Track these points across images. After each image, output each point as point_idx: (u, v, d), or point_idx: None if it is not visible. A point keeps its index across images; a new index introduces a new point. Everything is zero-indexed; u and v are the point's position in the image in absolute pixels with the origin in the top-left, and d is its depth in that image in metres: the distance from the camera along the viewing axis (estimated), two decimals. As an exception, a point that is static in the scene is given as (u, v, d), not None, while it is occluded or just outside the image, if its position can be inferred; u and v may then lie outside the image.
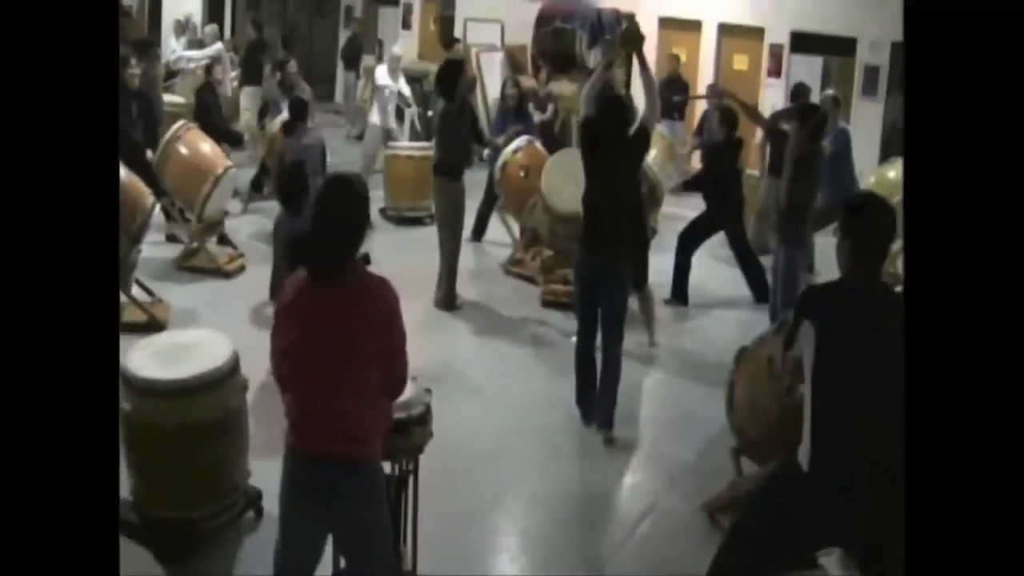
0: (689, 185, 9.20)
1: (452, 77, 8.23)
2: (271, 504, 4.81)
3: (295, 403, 3.33)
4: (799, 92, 10.44)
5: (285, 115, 9.65)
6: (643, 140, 6.09)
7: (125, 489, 4.66)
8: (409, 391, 3.87)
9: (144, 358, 4.56)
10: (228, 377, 4.54)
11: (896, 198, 9.61)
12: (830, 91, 10.80)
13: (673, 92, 12.67)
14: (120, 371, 4.46)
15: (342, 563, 4.23)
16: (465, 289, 8.63)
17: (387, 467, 3.87)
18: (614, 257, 6.02)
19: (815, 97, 10.50)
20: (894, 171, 10.07)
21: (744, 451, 5.07)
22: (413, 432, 4.01)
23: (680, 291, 8.89)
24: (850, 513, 3.53)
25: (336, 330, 3.23)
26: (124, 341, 5.55)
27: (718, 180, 8.76)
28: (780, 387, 4.32)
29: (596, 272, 6.03)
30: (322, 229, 3.28)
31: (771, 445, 4.57)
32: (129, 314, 7.06)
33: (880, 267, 3.65)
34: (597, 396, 6.18)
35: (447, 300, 8.31)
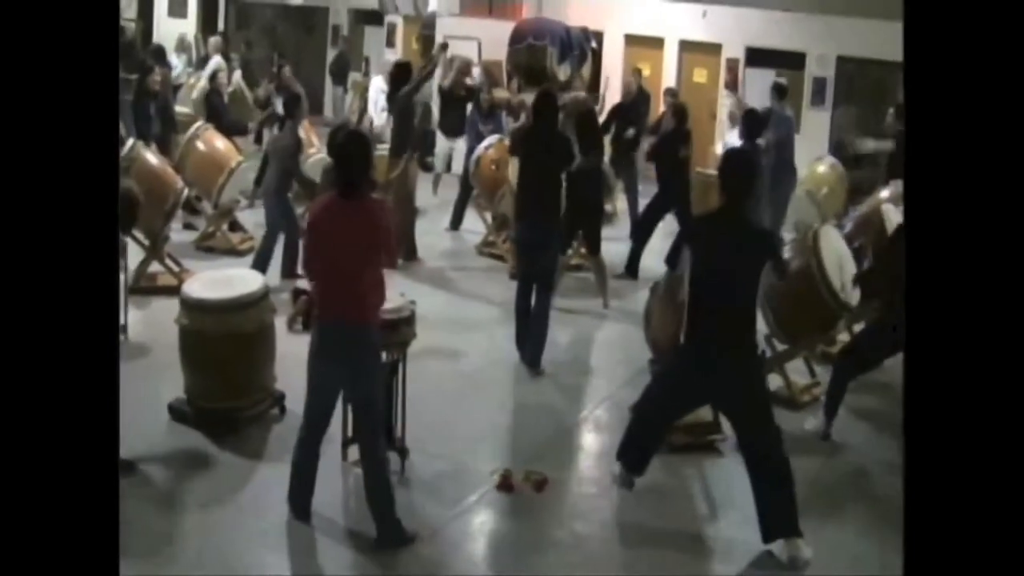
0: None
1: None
2: (291, 404, 6.22)
3: (326, 287, 4.65)
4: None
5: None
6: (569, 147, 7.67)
7: (180, 389, 6.05)
8: (398, 300, 5.37)
9: (199, 286, 5.99)
10: (262, 299, 5.97)
11: (824, 190, 11.09)
12: (776, 79, 11.92)
13: (640, 104, 13.58)
14: (180, 295, 5.86)
15: (349, 431, 5.58)
16: (446, 266, 10.11)
17: (383, 357, 5.20)
18: (546, 223, 7.34)
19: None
20: (823, 166, 11.59)
21: (657, 361, 6.45)
22: (402, 330, 5.43)
23: (632, 267, 10.17)
24: (711, 379, 4.88)
25: (360, 231, 4.56)
26: (158, 301, 7.06)
27: (666, 165, 10.04)
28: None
29: (533, 235, 7.33)
30: (347, 164, 4.63)
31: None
32: (162, 280, 8.48)
33: (742, 204, 4.93)
34: (528, 339, 7.44)
35: (408, 252, 9.85)
